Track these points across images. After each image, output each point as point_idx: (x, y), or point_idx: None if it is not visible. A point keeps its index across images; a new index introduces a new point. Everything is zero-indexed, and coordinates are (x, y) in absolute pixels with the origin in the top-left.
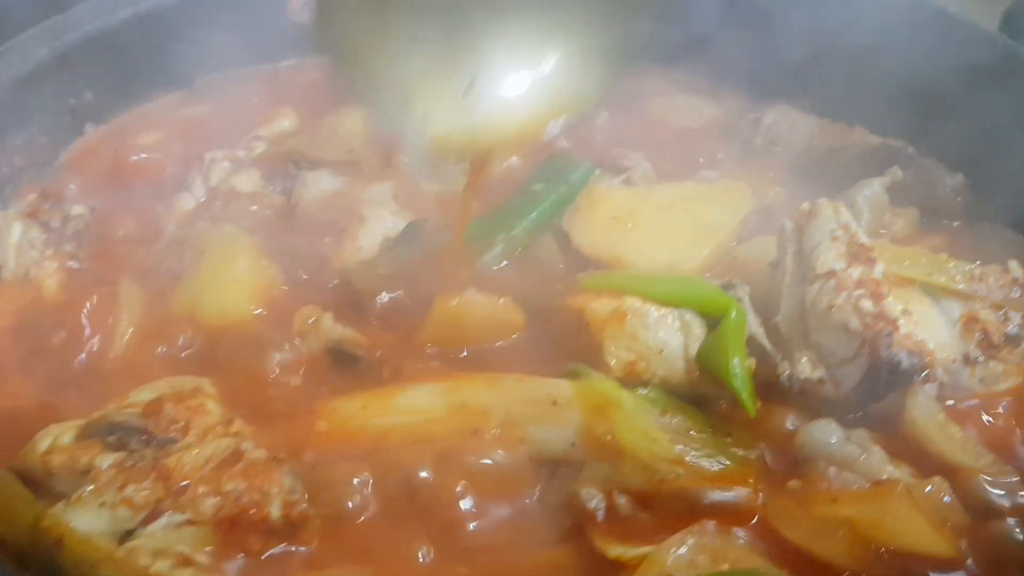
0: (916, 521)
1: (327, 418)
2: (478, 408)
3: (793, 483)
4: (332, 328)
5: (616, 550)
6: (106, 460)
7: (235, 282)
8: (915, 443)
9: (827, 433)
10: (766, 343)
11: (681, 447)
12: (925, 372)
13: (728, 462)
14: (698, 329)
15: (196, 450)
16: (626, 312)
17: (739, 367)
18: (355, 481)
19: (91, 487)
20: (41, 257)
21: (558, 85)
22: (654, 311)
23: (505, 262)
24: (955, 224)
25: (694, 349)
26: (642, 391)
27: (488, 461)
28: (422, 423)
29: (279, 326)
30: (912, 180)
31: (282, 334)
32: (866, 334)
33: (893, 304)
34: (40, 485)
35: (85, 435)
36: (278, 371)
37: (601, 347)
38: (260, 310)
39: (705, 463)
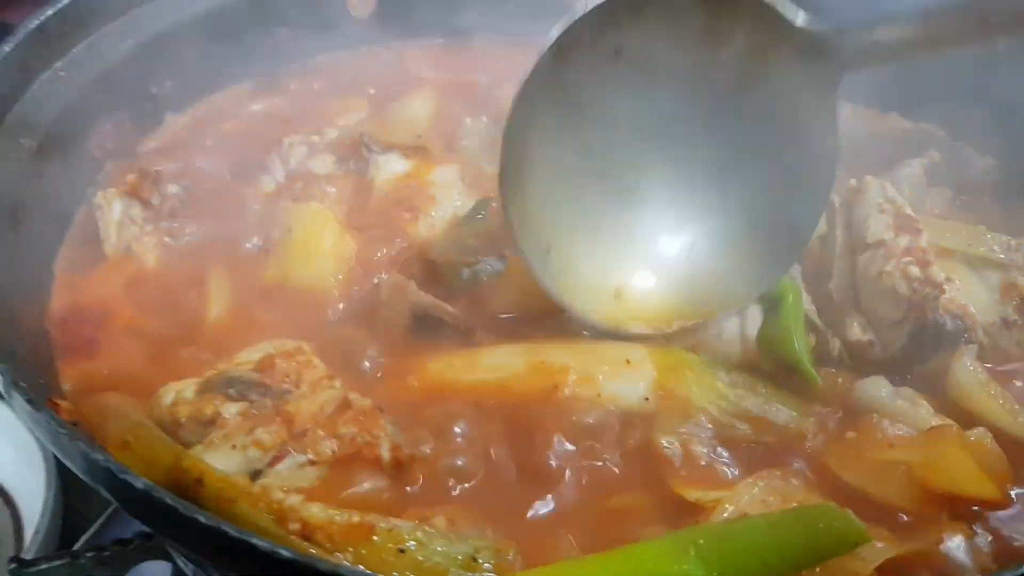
0: (966, 464)
1: (418, 375)
2: (557, 366)
3: (850, 434)
4: (417, 294)
5: (694, 494)
6: (232, 408)
7: (324, 254)
8: (957, 403)
9: (878, 387)
10: (818, 320)
11: (747, 402)
12: (967, 334)
13: (793, 413)
14: (753, 311)
15: (310, 398)
16: None
17: (802, 344)
18: (455, 429)
19: (221, 431)
20: (141, 232)
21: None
22: None
23: None
24: (985, 201)
25: (751, 330)
26: None
27: (570, 414)
28: (506, 379)
29: (365, 295)
30: (945, 162)
31: (369, 302)
32: (914, 298)
33: (938, 271)
34: (168, 434)
35: (206, 389)
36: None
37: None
38: (346, 279)
39: (770, 414)
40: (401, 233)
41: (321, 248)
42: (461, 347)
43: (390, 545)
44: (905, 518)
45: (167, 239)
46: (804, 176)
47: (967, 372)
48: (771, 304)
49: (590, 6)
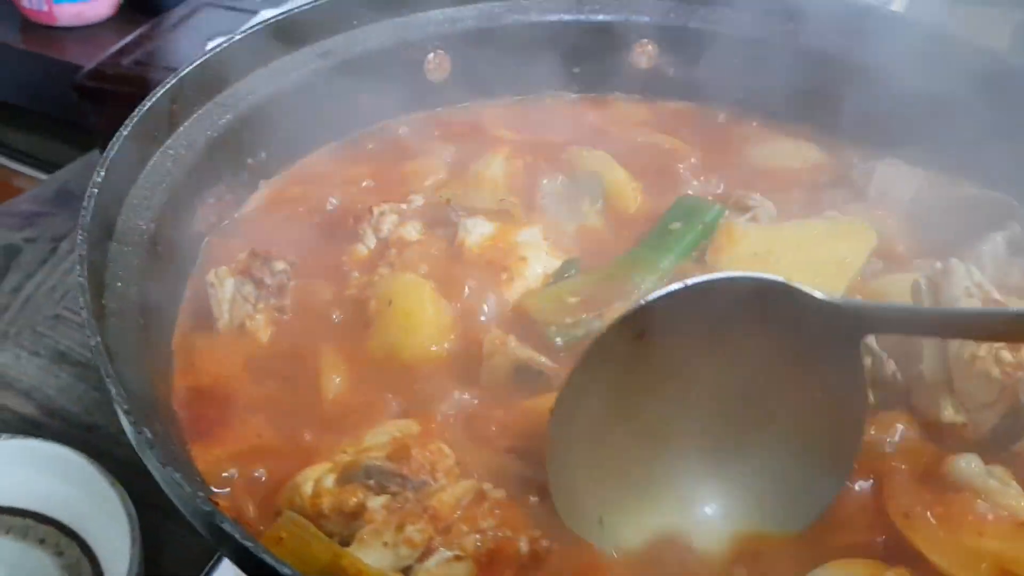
0: None
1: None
2: None
3: (938, 510)
4: (517, 348)
5: None
6: (376, 501)
7: (426, 324)
8: None
9: (971, 463)
10: (874, 344)
11: None
12: None
13: None
14: None
15: (449, 491)
16: None
17: None
18: None
19: (370, 527)
20: (254, 311)
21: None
22: None
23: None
24: None
25: None
26: None
27: None
28: None
29: (470, 356)
30: (1020, 233)
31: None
32: (1006, 381)
33: None
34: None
35: (345, 479)
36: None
37: None
38: (450, 345)
39: None
40: (497, 293)
41: (423, 319)
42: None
43: None
44: None
45: (276, 314)
46: (833, 439)
47: None
48: None
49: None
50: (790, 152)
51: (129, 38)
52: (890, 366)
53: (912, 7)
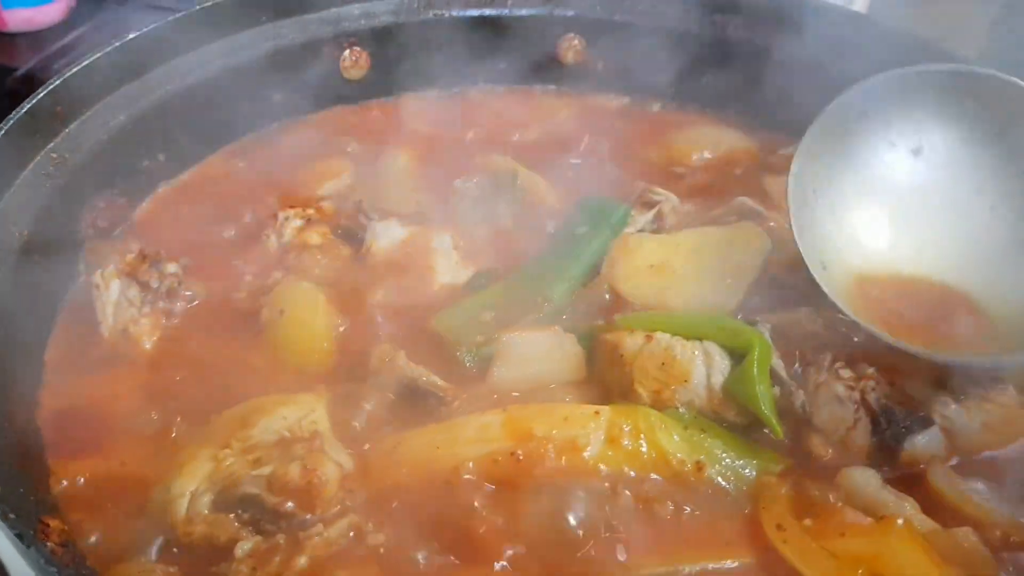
0: (917, 558)
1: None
2: (536, 433)
3: (806, 521)
4: (406, 366)
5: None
6: (244, 547)
7: (316, 336)
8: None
9: (867, 478)
10: (784, 374)
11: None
12: (922, 416)
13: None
14: (720, 361)
15: (326, 533)
16: (654, 346)
17: (765, 393)
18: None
19: None
20: (139, 315)
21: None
22: (679, 345)
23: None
24: None
25: (716, 379)
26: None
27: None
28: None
29: (357, 370)
30: None
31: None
32: (854, 395)
33: (864, 366)
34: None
35: (222, 504)
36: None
37: (632, 378)
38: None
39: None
40: (401, 303)
41: (313, 331)
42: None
43: None
44: None
45: (164, 321)
46: None
47: (937, 472)
48: (740, 356)
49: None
50: (712, 140)
51: (67, 39)
52: (799, 396)
53: (875, 6)
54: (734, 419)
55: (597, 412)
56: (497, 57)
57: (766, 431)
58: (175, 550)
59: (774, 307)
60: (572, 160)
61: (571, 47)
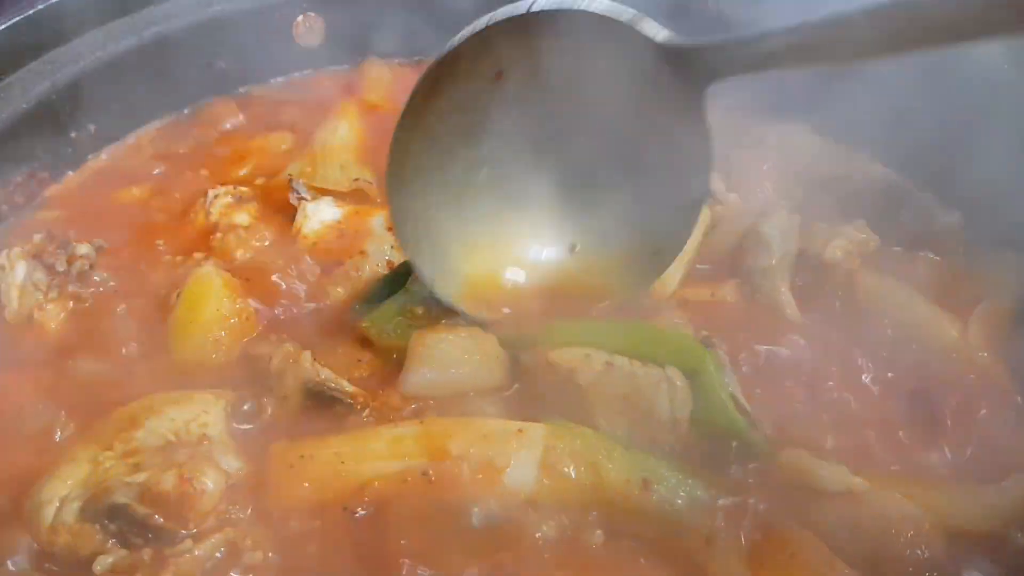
0: None
1: (305, 469)
2: (452, 451)
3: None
4: (312, 368)
5: None
6: (106, 562)
7: (208, 324)
8: None
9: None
10: (744, 401)
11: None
12: None
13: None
14: (683, 391)
15: (193, 552)
16: (616, 374)
17: (732, 391)
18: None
19: None
20: (45, 300)
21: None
22: (642, 372)
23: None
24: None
25: (681, 411)
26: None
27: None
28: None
29: (255, 367)
30: (908, 215)
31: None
32: None
33: None
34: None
35: (90, 513)
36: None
37: (592, 411)
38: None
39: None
40: (322, 292)
41: (204, 312)
42: (351, 426)
43: None
44: None
45: (72, 304)
46: (679, 183)
47: None
48: (696, 379)
49: (466, 33)
50: None
51: None
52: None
53: None
54: (705, 451)
55: (520, 430)
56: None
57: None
58: (47, 563)
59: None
60: None
61: None
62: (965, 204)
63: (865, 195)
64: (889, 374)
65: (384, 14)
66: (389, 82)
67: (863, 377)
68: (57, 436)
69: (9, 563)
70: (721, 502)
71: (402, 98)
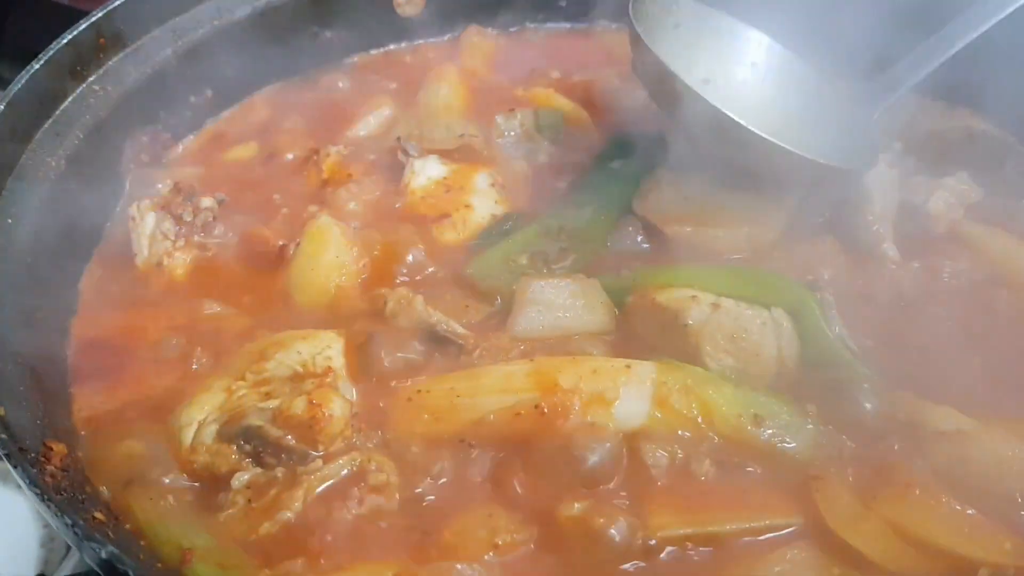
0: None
1: (424, 402)
2: (562, 385)
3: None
4: (424, 311)
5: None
6: (242, 479)
7: (324, 269)
8: None
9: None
10: (852, 345)
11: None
12: None
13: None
14: (790, 333)
15: (323, 471)
16: (723, 316)
17: (842, 336)
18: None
19: (229, 512)
20: (173, 248)
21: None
22: (749, 313)
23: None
24: None
25: (788, 351)
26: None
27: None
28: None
29: (372, 310)
30: (1010, 168)
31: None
32: None
33: None
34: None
35: (226, 435)
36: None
37: (699, 350)
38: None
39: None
40: (430, 242)
41: (324, 259)
42: (463, 365)
43: None
44: None
45: (197, 254)
46: None
47: None
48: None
49: None
50: None
51: None
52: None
53: None
54: (815, 393)
55: (628, 366)
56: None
57: None
58: (184, 478)
59: None
60: (624, 100)
61: None
62: None
63: (966, 149)
64: (991, 321)
65: None
66: (488, 50)
67: (969, 324)
68: (193, 366)
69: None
70: (831, 439)
71: (499, 66)
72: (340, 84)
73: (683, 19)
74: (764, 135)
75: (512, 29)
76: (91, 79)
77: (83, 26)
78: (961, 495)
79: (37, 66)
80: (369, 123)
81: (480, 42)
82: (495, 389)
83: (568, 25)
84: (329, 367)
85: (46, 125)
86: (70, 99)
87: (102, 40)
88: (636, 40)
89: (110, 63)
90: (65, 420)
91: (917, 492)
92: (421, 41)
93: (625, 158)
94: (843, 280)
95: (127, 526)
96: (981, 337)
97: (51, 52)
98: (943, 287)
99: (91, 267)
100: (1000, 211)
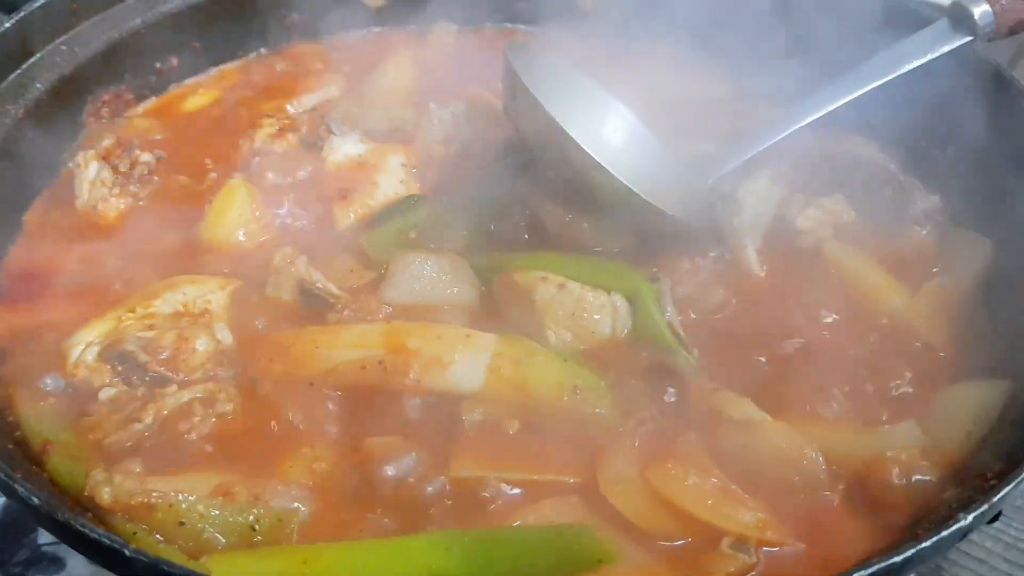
0: None
1: (288, 347)
2: (408, 346)
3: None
4: (304, 270)
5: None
6: (107, 393)
7: (230, 221)
8: None
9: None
10: (680, 331)
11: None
12: None
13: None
14: (625, 314)
15: (177, 394)
16: (566, 295)
17: (670, 319)
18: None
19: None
20: (108, 194)
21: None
22: (591, 296)
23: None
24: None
25: (620, 329)
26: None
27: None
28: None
29: (263, 265)
30: (888, 194)
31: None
32: None
33: None
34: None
35: (105, 356)
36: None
37: (543, 324)
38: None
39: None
40: (335, 213)
41: (228, 216)
42: (330, 322)
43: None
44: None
45: (129, 200)
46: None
47: None
48: (636, 304)
49: None
50: (698, 86)
51: None
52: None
53: None
54: (644, 367)
55: (469, 335)
56: None
57: None
58: (63, 387)
59: None
60: None
61: None
62: (945, 187)
63: (850, 174)
64: (825, 334)
65: None
66: (449, 45)
67: (805, 332)
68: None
69: (47, 380)
70: (635, 413)
71: (458, 59)
72: (297, 64)
73: (551, 74)
74: (614, 173)
75: (471, 26)
76: (59, 40)
77: None
78: (737, 476)
79: (7, 25)
80: (310, 100)
81: (442, 37)
82: (350, 344)
83: (523, 27)
84: (207, 309)
85: (12, 77)
86: (37, 55)
87: (75, 6)
88: (511, 80)
89: (80, 26)
90: None
91: (679, 465)
92: (385, 28)
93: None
94: (698, 276)
95: (8, 419)
96: (811, 346)
97: (22, 13)
98: (791, 294)
99: (37, 204)
100: (868, 234)
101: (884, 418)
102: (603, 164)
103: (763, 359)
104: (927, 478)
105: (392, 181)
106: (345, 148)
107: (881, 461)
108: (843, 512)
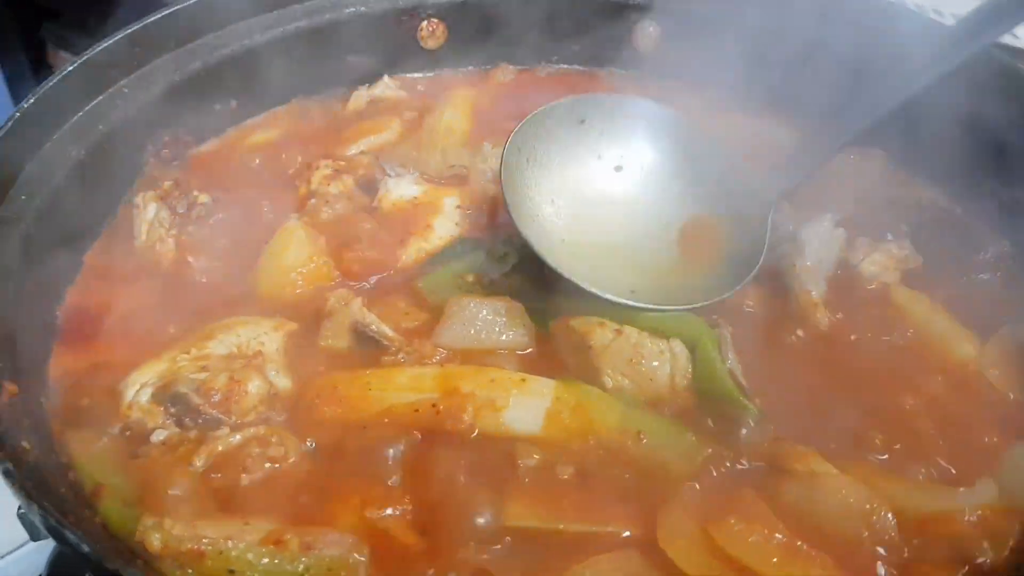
0: None
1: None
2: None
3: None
4: (359, 312)
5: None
6: (159, 436)
7: (285, 266)
8: None
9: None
10: (742, 380)
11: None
12: None
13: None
14: (684, 362)
15: (229, 437)
16: (623, 341)
17: (731, 366)
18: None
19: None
20: (166, 235)
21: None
22: (649, 342)
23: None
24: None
25: (680, 378)
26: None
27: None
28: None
29: (319, 308)
30: (956, 240)
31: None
32: None
33: None
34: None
35: (159, 397)
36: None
37: (600, 370)
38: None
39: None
40: (388, 255)
41: (284, 258)
42: (384, 364)
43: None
44: None
45: (187, 242)
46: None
47: None
48: (697, 352)
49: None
50: (753, 131)
51: None
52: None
53: None
54: (704, 413)
55: (523, 379)
56: (572, 38)
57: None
58: (118, 429)
59: None
60: None
61: (645, 34)
62: (1014, 230)
63: (914, 217)
64: (893, 383)
65: (500, 25)
66: (505, 86)
67: (872, 382)
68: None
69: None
70: (696, 463)
71: (515, 101)
72: (358, 105)
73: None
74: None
75: (524, 66)
76: (122, 82)
77: (119, 36)
78: (802, 531)
79: (70, 68)
80: (367, 142)
81: (498, 78)
82: (404, 387)
83: (579, 67)
84: (260, 351)
85: (75, 118)
86: (100, 97)
87: (137, 50)
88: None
89: (142, 69)
90: (40, 372)
91: (743, 520)
92: (442, 72)
93: None
94: (761, 322)
95: (62, 459)
96: (877, 392)
97: (85, 57)
98: (856, 342)
99: (99, 243)
100: (936, 280)
101: (954, 472)
102: (615, 299)
103: (828, 408)
104: (1005, 536)
105: (447, 223)
106: (400, 190)
107: (956, 518)
108: (913, 569)
